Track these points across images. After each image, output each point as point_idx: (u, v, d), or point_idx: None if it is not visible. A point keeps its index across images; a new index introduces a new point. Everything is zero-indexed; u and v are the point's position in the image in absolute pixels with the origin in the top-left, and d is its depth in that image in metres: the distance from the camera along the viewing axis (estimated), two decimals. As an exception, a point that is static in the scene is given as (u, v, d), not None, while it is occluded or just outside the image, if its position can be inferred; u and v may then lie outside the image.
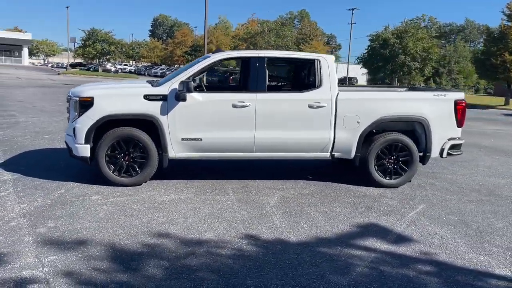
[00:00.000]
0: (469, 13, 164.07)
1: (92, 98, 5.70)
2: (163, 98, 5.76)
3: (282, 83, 7.87)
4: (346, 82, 49.66)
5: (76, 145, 5.74)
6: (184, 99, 5.70)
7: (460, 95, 6.43)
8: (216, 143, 5.92)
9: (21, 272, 3.42)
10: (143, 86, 6.04)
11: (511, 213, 5.47)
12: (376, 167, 6.27)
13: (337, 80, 6.19)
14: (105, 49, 55.17)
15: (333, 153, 6.23)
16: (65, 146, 6.23)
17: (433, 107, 6.24)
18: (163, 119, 5.75)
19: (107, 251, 3.88)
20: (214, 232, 4.42)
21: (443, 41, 77.34)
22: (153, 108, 5.74)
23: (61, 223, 4.47)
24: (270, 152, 6.12)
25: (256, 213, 5.05)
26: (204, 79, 27.07)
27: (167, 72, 47.48)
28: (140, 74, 58.09)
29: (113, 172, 5.81)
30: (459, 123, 6.38)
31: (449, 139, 6.38)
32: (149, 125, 5.80)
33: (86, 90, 5.87)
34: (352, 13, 52.74)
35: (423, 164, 6.48)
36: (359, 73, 58.55)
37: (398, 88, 8.10)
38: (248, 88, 6.07)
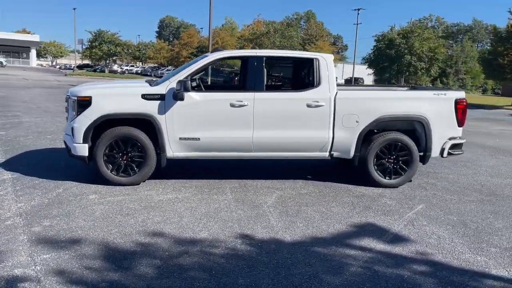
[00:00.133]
0: (476, 13, 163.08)
1: (90, 97, 5.71)
2: (161, 97, 5.75)
3: (281, 83, 7.85)
4: (352, 82, 49.51)
5: (74, 144, 5.75)
6: (181, 99, 5.69)
7: (460, 94, 6.36)
8: (214, 142, 5.91)
9: (13, 270, 3.43)
10: (141, 86, 6.05)
11: (511, 213, 5.40)
12: (376, 167, 6.22)
13: (335, 79, 6.15)
14: (111, 51, 55.44)
15: (332, 152, 6.19)
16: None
17: (433, 106, 6.18)
18: (161, 119, 5.74)
19: (100, 250, 3.88)
20: (209, 232, 4.40)
21: (450, 41, 76.83)
22: (151, 108, 5.73)
23: (56, 222, 4.48)
24: (268, 151, 6.09)
25: (253, 212, 5.03)
26: (209, 79, 27.18)
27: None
28: (146, 75, 58.19)
29: (111, 172, 5.82)
30: (460, 123, 6.32)
31: (450, 139, 6.32)
32: (147, 124, 5.80)
33: (84, 90, 5.88)
34: (358, 14, 52.66)
35: (423, 163, 6.42)
36: (365, 74, 58.28)
37: (400, 87, 8.04)
38: (246, 87, 6.05)
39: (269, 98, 5.98)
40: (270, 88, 6.53)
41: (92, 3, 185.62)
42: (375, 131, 6.29)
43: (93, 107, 5.68)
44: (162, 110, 5.74)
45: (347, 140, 6.11)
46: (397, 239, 4.41)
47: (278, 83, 7.81)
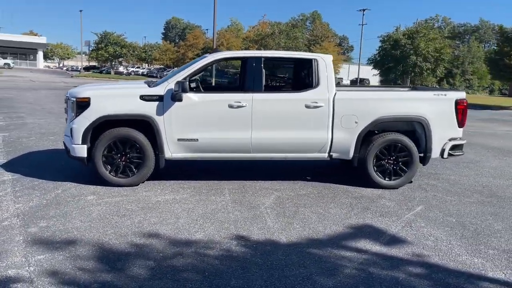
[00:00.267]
0: (483, 13, 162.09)
1: (89, 98, 5.72)
2: (159, 98, 5.75)
3: (279, 83, 7.82)
4: (357, 83, 49.36)
5: (73, 145, 5.77)
6: (180, 100, 5.69)
7: (461, 95, 6.30)
8: (212, 143, 5.90)
9: (7, 271, 3.44)
10: (139, 87, 6.06)
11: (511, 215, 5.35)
12: (375, 168, 6.19)
13: (334, 80, 6.12)
14: (117, 52, 55.73)
15: (331, 153, 6.16)
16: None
17: (433, 107, 6.14)
18: (159, 120, 5.75)
19: (94, 251, 3.88)
20: (205, 233, 4.39)
21: (457, 42, 76.39)
22: (149, 109, 5.74)
23: (53, 223, 4.49)
24: (267, 152, 6.08)
25: (250, 214, 5.01)
26: (213, 80, 27.21)
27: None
28: (152, 76, 58.31)
29: (109, 173, 5.83)
30: (460, 123, 6.26)
31: (450, 139, 6.26)
32: (146, 125, 5.80)
33: (83, 91, 5.90)
34: (363, 14, 52.48)
35: (423, 164, 6.37)
36: (371, 75, 58.08)
37: (401, 88, 7.99)
38: (245, 88, 6.04)
39: (267, 99, 5.97)
40: (269, 89, 6.50)
41: (98, 5, 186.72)
42: (376, 132, 6.25)
43: (91, 108, 5.70)
44: (161, 111, 5.75)
45: (346, 141, 6.08)
46: (393, 240, 4.37)
47: (277, 84, 7.79)
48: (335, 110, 5.99)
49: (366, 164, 6.14)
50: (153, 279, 3.40)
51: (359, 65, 55.60)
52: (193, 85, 6.45)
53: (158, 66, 78.69)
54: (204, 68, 6.10)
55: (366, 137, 6.15)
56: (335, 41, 69.14)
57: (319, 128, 6.00)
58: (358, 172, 6.35)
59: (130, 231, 4.35)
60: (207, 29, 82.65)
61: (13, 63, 61.98)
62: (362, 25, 52.28)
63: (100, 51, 55.68)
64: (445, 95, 6.22)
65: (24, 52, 74.64)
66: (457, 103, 6.19)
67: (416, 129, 6.21)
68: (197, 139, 5.85)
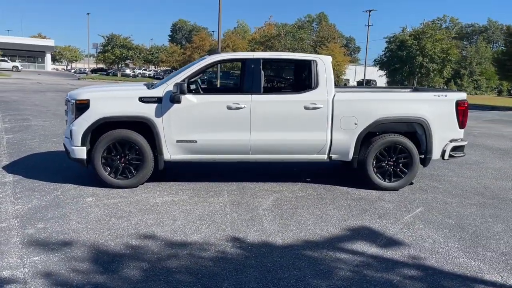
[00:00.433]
0: (491, 13, 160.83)
1: (88, 100, 5.75)
2: (158, 100, 5.77)
3: (278, 85, 7.81)
4: (363, 84, 49.19)
5: (73, 147, 5.80)
6: (178, 101, 5.70)
7: (461, 96, 6.25)
8: (211, 145, 5.91)
9: (1, 272, 3.46)
10: (138, 89, 6.08)
11: (512, 217, 5.28)
12: (375, 169, 6.15)
13: (333, 81, 6.10)
14: (123, 54, 56.08)
15: (330, 155, 6.14)
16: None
17: (433, 108, 6.09)
18: (158, 121, 5.76)
19: (90, 252, 3.89)
20: (201, 234, 4.39)
21: (465, 42, 75.89)
22: (148, 110, 5.76)
23: (50, 225, 4.51)
24: (266, 154, 6.07)
25: (247, 215, 5.00)
26: (218, 82, 27.26)
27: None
28: (158, 78, 58.62)
29: (109, 174, 5.85)
30: (461, 124, 6.21)
31: (451, 141, 6.21)
32: (145, 127, 5.82)
33: (82, 93, 5.93)
34: (369, 15, 52.16)
35: (424, 166, 6.33)
36: (377, 75, 57.84)
37: (402, 89, 7.95)
38: (244, 89, 6.04)
39: (266, 100, 5.96)
40: (268, 90, 6.51)
41: (106, 8, 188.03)
42: (377, 133, 6.22)
43: (91, 110, 5.73)
44: (159, 113, 5.76)
45: (345, 142, 6.05)
46: (390, 243, 4.34)
47: (276, 85, 7.78)
48: (334, 111, 5.97)
49: (366, 165, 6.10)
50: (146, 281, 3.40)
51: (365, 66, 55.36)
52: (193, 87, 6.48)
53: (164, 68, 79.06)
54: (203, 70, 6.11)
55: (365, 139, 6.12)
56: (341, 42, 69.00)
57: (318, 130, 5.98)
58: (358, 173, 6.31)
59: (126, 233, 4.36)
60: (213, 31, 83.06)
61: (21, 65, 62.51)
62: (369, 26, 52.04)
63: (106, 54, 56.05)
64: (445, 96, 6.17)
65: (32, 54, 75.27)
66: (458, 104, 6.14)
67: (417, 130, 6.17)
68: (196, 141, 5.85)
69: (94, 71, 68.50)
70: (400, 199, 5.86)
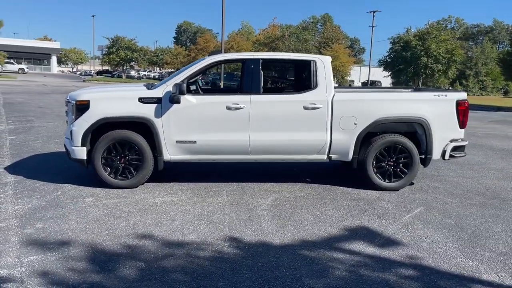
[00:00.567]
0: (497, 13, 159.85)
1: (88, 101, 5.79)
2: (158, 100, 5.79)
3: (278, 85, 7.82)
4: (368, 85, 49.07)
5: (73, 147, 5.84)
6: (178, 102, 5.72)
7: (462, 95, 6.23)
8: (210, 145, 5.92)
9: (-1, 271, 3.48)
10: (138, 89, 6.11)
11: (513, 217, 5.25)
12: (375, 170, 6.14)
13: (333, 81, 6.10)
14: (128, 56, 56.33)
15: (330, 155, 6.13)
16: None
17: (433, 108, 6.07)
18: (157, 122, 5.78)
19: (87, 252, 3.91)
20: (198, 234, 4.40)
21: (470, 43, 75.54)
22: (148, 111, 5.78)
23: (49, 224, 4.53)
24: (265, 154, 6.07)
25: (246, 215, 5.00)
26: (222, 83, 27.28)
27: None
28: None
29: (109, 175, 5.87)
30: (462, 124, 6.18)
31: (452, 141, 6.18)
32: (144, 127, 5.84)
33: (82, 94, 5.97)
34: (373, 16, 52.09)
35: (424, 166, 6.31)
36: (381, 76, 57.66)
37: (404, 89, 7.93)
38: (243, 90, 6.05)
39: (265, 100, 5.97)
40: (267, 90, 6.51)
41: (111, 10, 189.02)
42: (378, 133, 6.20)
43: (91, 110, 5.76)
44: (159, 113, 5.78)
45: (345, 143, 6.04)
46: (388, 242, 4.33)
47: (275, 86, 7.78)
48: (333, 111, 5.96)
49: (366, 166, 6.09)
50: (141, 280, 3.41)
51: (369, 67, 55.23)
52: (192, 87, 6.50)
53: (169, 70, 79.28)
54: (203, 71, 6.13)
55: (365, 139, 6.11)
56: (346, 43, 68.90)
57: (318, 130, 5.98)
58: (358, 174, 6.30)
59: (124, 233, 4.38)
60: (217, 33, 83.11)
61: (27, 68, 62.94)
62: (373, 27, 51.96)
63: (111, 56, 56.34)
64: (445, 96, 6.15)
65: (38, 57, 75.74)
66: (458, 104, 6.11)
67: (417, 130, 6.15)
68: (195, 141, 5.87)
69: (99, 73, 68.80)
70: (400, 199, 5.84)
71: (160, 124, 5.79)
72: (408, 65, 40.87)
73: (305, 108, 5.91)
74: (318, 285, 3.41)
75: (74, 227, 4.50)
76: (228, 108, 5.84)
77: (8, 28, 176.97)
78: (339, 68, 48.22)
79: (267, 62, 6.48)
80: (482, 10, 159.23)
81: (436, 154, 6.15)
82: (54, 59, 78.51)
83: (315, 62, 6.08)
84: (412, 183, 6.56)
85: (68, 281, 3.37)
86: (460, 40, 50.51)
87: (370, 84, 53.06)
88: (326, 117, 5.95)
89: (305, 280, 3.49)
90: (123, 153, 5.85)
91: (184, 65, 70.47)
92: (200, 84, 7.35)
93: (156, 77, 68.94)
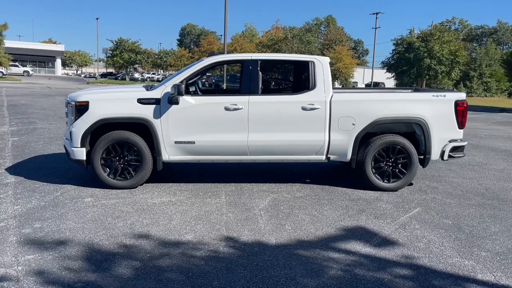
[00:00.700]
0: (501, 15, 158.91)
1: (87, 102, 5.82)
2: (156, 101, 5.82)
3: (276, 86, 7.83)
4: (371, 87, 48.97)
5: (73, 148, 5.87)
6: (176, 102, 5.75)
7: (460, 96, 6.22)
8: (209, 146, 5.93)
9: (-5, 270, 3.51)
10: (137, 91, 6.14)
11: (511, 217, 5.23)
12: (374, 170, 6.14)
13: (331, 82, 6.10)
14: (132, 59, 56.61)
15: (328, 155, 6.14)
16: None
17: (432, 108, 6.07)
18: (156, 123, 5.81)
19: (83, 251, 3.93)
20: (195, 234, 4.42)
21: (474, 44, 75.29)
22: (147, 112, 5.80)
23: (47, 224, 4.56)
24: (264, 155, 6.08)
25: (243, 215, 5.02)
26: (225, 85, 27.29)
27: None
28: (167, 82, 59.10)
29: (108, 175, 5.90)
30: (461, 124, 6.16)
31: (450, 141, 6.17)
32: (143, 128, 5.87)
33: (81, 95, 6.00)
34: (377, 18, 52.01)
35: (423, 166, 6.30)
36: (385, 78, 57.57)
37: (403, 89, 7.92)
38: (242, 91, 6.06)
39: (264, 101, 5.98)
40: (266, 91, 6.51)
41: (115, 13, 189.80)
42: (378, 134, 6.19)
43: (90, 111, 5.79)
44: (158, 114, 5.81)
45: (343, 143, 6.05)
46: (384, 242, 4.33)
47: (274, 86, 7.80)
48: (332, 112, 5.97)
49: (364, 166, 6.09)
50: (136, 279, 3.43)
51: (372, 68, 55.14)
52: (192, 88, 6.52)
53: (173, 72, 79.51)
54: (201, 72, 6.15)
55: (364, 139, 6.11)
56: (349, 45, 68.84)
57: (316, 130, 5.99)
58: (357, 174, 6.30)
59: (121, 232, 4.40)
60: (221, 35, 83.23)
61: (32, 70, 63.29)
62: (376, 28, 51.87)
63: (115, 58, 56.64)
64: (444, 96, 6.14)
65: (43, 59, 76.24)
66: (457, 104, 6.10)
67: (415, 131, 6.14)
68: (194, 142, 5.89)
69: (103, 75, 69.22)
70: (398, 199, 5.83)
71: (159, 125, 5.81)
72: (411, 66, 40.79)
73: (304, 108, 5.92)
74: (312, 284, 3.42)
75: (71, 226, 4.52)
76: (227, 109, 5.86)
77: (13, 31, 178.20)
78: (342, 70, 48.21)
79: (265, 63, 6.49)
80: (486, 12, 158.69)
81: (435, 154, 6.15)
82: (58, 61, 78.95)
83: (313, 63, 6.09)
84: (411, 184, 6.55)
85: (63, 280, 3.39)
86: (464, 42, 50.29)
87: (374, 86, 52.95)
88: (324, 117, 5.96)
89: (299, 279, 3.50)
90: (122, 153, 5.88)
91: (188, 67, 70.79)
92: (200, 85, 7.37)
93: (160, 79, 69.16)
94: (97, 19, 65.10)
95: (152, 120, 5.80)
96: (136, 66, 61.34)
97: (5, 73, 50.01)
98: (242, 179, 6.64)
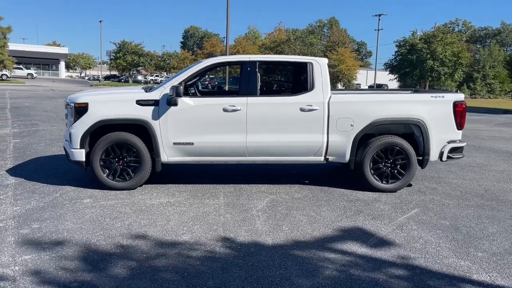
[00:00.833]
0: (505, 16, 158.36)
1: (87, 104, 5.86)
2: (155, 103, 5.85)
3: (274, 87, 7.84)
4: (374, 89, 48.94)
5: (72, 149, 5.91)
6: (175, 104, 5.77)
7: (459, 97, 6.22)
8: (207, 147, 5.95)
9: (-8, 270, 3.54)
10: (136, 92, 6.17)
11: (510, 218, 5.21)
12: (372, 171, 6.14)
13: (329, 83, 6.11)
14: (135, 61, 56.83)
15: (327, 157, 6.15)
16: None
17: (431, 109, 6.07)
18: (155, 124, 5.83)
19: (80, 251, 3.96)
20: (192, 234, 4.43)
21: (478, 46, 75.08)
22: (145, 113, 5.83)
23: (45, 225, 4.59)
24: (262, 156, 6.09)
25: (240, 216, 5.03)
26: (227, 87, 27.33)
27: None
28: (170, 84, 59.27)
29: (107, 176, 5.93)
30: (459, 125, 6.16)
31: (449, 142, 6.17)
32: (142, 130, 5.90)
33: (81, 96, 6.04)
34: (379, 19, 52.00)
35: (422, 167, 6.30)
36: (388, 79, 57.50)
37: (403, 90, 7.91)
38: (240, 92, 6.09)
39: (262, 102, 5.99)
40: (264, 92, 6.53)
41: (119, 16, 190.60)
42: (377, 135, 6.19)
43: (89, 113, 5.83)
44: (156, 116, 5.84)
45: (342, 144, 6.05)
46: (381, 243, 4.33)
47: (272, 88, 7.81)
48: (330, 113, 5.98)
49: (363, 167, 6.09)
50: (131, 279, 3.45)
51: (375, 70, 55.09)
52: (191, 90, 6.55)
53: (176, 75, 79.59)
54: (200, 73, 6.18)
55: (362, 140, 6.11)
56: (352, 47, 68.81)
57: (314, 132, 6.00)
58: (356, 175, 6.30)
59: (118, 233, 4.42)
60: (224, 37, 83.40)
61: (36, 73, 63.57)
62: (378, 30, 51.84)
63: (118, 60, 56.89)
64: (442, 97, 6.14)
65: (47, 62, 76.54)
66: (455, 105, 6.10)
67: (414, 132, 6.14)
68: (193, 143, 5.91)
69: (107, 78, 69.49)
70: (397, 200, 5.83)
71: (157, 126, 5.84)
72: (414, 68, 40.73)
73: (302, 110, 5.93)
74: (307, 284, 3.43)
75: (69, 227, 4.55)
76: (225, 110, 5.88)
77: (17, 34, 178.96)
78: (345, 72, 48.21)
79: (264, 64, 6.52)
80: (490, 13, 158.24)
81: (433, 155, 6.14)
82: (62, 64, 79.27)
83: (312, 64, 6.11)
84: (410, 185, 6.55)
85: (59, 279, 3.41)
86: (467, 43, 50.18)
87: (377, 88, 52.91)
88: (322, 118, 5.97)
89: (294, 279, 3.51)
90: (121, 155, 5.91)
91: (191, 69, 70.90)
92: (200, 87, 7.40)
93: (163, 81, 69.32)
94: (100, 21, 65.41)
95: (151, 122, 5.83)
96: (139, 68, 61.53)
97: (9, 75, 50.27)
98: (241, 180, 6.65)
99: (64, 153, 7.54)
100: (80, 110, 5.86)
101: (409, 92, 7.51)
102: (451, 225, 4.90)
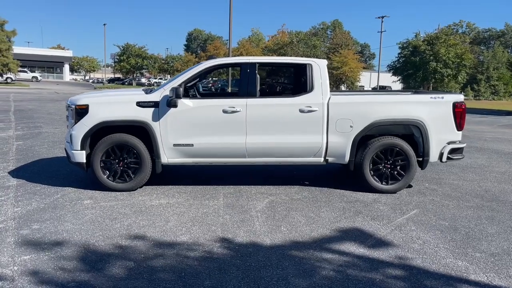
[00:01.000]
0: (509, 18, 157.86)
1: (87, 105, 5.90)
2: (155, 104, 5.88)
3: (274, 88, 7.85)
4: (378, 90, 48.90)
5: (73, 151, 5.94)
6: (175, 105, 5.80)
7: (459, 98, 6.21)
8: (207, 148, 5.97)
9: (-9, 270, 3.57)
10: (136, 94, 6.20)
11: (509, 219, 5.20)
12: (372, 172, 6.14)
13: (329, 84, 6.13)
14: (138, 64, 57.06)
15: (326, 158, 6.15)
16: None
17: (430, 110, 6.07)
18: (155, 125, 5.86)
19: (79, 252, 3.98)
20: (190, 235, 4.45)
21: (482, 47, 74.85)
22: (146, 115, 5.86)
23: (45, 226, 4.62)
24: (262, 157, 6.11)
25: (240, 217, 5.04)
26: (230, 89, 27.33)
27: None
28: (173, 87, 59.46)
29: (107, 178, 5.96)
30: (459, 126, 6.15)
31: (449, 143, 6.16)
32: (142, 131, 5.93)
33: (81, 98, 6.08)
34: (382, 21, 51.97)
35: (422, 168, 6.29)
36: (391, 81, 57.39)
37: (403, 92, 7.92)
38: (240, 93, 6.11)
39: (261, 104, 6.01)
40: (263, 94, 6.54)
41: (123, 19, 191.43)
42: (376, 136, 6.20)
43: (90, 114, 5.86)
44: (156, 117, 5.87)
45: (341, 145, 6.06)
46: (379, 243, 4.33)
47: (271, 89, 7.82)
48: (329, 114, 5.99)
49: (363, 168, 6.10)
50: (129, 279, 3.47)
51: (378, 72, 55.05)
52: (191, 91, 6.58)
53: (179, 77, 79.71)
54: (199, 75, 6.20)
55: (362, 141, 6.12)
56: (356, 49, 68.76)
57: (314, 133, 6.01)
58: (355, 176, 6.30)
59: (117, 234, 4.45)
60: (227, 40, 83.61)
61: (40, 76, 63.91)
62: (381, 32, 51.80)
63: (122, 63, 57.14)
64: (442, 98, 6.14)
65: (51, 65, 77.03)
66: (455, 106, 6.10)
67: (414, 133, 6.14)
68: (192, 144, 5.93)
69: (111, 80, 69.73)
70: (396, 201, 5.82)
71: (157, 128, 5.87)
72: (417, 69, 40.66)
73: (301, 111, 5.95)
74: (303, 284, 3.44)
75: (69, 228, 4.58)
76: (225, 112, 5.90)
77: (22, 38, 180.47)
78: (348, 74, 48.18)
79: (263, 66, 6.53)
80: (493, 15, 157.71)
81: (433, 156, 6.14)
82: (66, 67, 79.71)
83: (311, 66, 6.12)
84: (410, 186, 6.55)
85: (57, 279, 3.44)
86: (471, 45, 50.03)
87: (380, 89, 52.83)
88: (322, 120, 5.98)
89: (291, 279, 3.52)
90: (121, 156, 5.94)
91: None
92: (200, 89, 7.43)
93: (166, 84, 69.49)
94: (104, 24, 65.46)
95: (151, 123, 5.86)
96: (143, 71, 61.78)
97: (14, 78, 50.55)
98: (241, 182, 6.67)
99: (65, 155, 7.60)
100: (81, 112, 5.90)
101: (409, 93, 7.52)
102: (450, 226, 4.89)
